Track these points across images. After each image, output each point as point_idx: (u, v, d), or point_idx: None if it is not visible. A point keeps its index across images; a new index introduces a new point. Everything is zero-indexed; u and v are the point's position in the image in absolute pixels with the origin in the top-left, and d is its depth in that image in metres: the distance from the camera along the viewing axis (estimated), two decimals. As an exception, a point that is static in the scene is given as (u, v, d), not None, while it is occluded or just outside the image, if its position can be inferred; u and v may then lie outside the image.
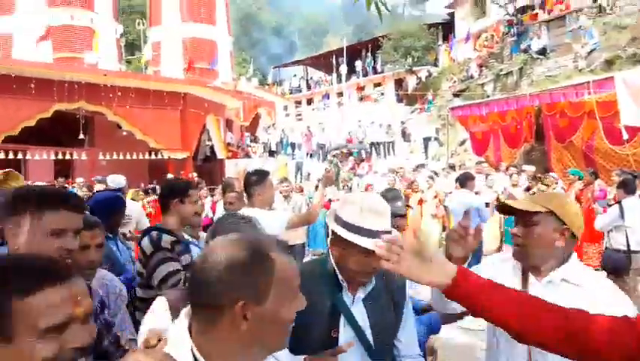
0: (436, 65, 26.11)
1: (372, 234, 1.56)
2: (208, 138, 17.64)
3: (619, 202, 5.46)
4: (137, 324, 2.11)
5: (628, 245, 5.30)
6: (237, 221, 1.67)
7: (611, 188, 7.12)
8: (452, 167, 12.08)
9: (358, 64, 31.13)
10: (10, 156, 12.94)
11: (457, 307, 1.64)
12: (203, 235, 3.31)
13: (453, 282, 1.17)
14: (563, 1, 15.63)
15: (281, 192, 7.33)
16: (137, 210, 5.18)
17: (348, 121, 22.44)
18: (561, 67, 13.78)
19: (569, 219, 1.64)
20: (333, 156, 17.90)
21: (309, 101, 33.93)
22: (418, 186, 9.77)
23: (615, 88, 8.72)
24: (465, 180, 6.83)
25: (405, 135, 20.01)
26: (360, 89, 30.45)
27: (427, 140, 17.96)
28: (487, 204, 8.68)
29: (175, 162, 15.35)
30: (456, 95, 18.16)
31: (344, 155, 18.25)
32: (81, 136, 14.33)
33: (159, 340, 1.17)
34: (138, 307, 2.60)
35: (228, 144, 19.15)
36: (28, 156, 13.96)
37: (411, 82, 26.64)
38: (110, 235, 3.23)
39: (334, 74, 30.68)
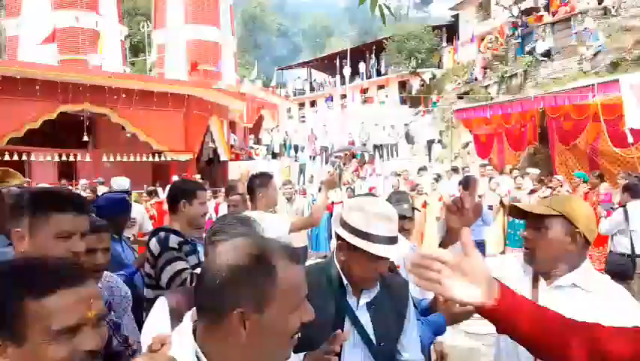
0: (439, 67, 26.09)
1: (379, 240, 1.56)
2: (211, 139, 17.65)
3: (624, 206, 5.42)
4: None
5: (632, 249, 5.27)
6: (235, 222, 1.65)
7: (617, 191, 7.08)
8: (455, 170, 12.04)
9: (362, 66, 31.15)
10: (15, 157, 12.99)
11: None
12: (206, 236, 3.31)
13: (494, 302, 1.05)
14: (568, 3, 15.58)
15: (284, 195, 7.33)
16: (141, 213, 5.19)
17: (351, 123, 22.43)
18: (566, 69, 13.73)
19: (581, 223, 1.61)
20: (336, 157, 17.89)
21: (313, 104, 33.97)
22: (423, 188, 9.74)
23: (620, 91, 8.68)
24: (468, 183, 6.79)
25: (408, 138, 19.97)
26: (364, 91, 30.45)
27: (430, 142, 17.93)
28: (490, 207, 8.67)
29: (178, 163, 15.37)
30: (460, 97, 18.12)
31: (347, 157, 18.23)
32: (85, 138, 14.37)
33: (162, 345, 1.16)
34: (147, 308, 2.60)
35: (232, 146, 19.16)
36: (32, 158, 14.02)
37: (415, 84, 26.62)
38: (116, 237, 3.23)
39: (338, 76, 30.70)
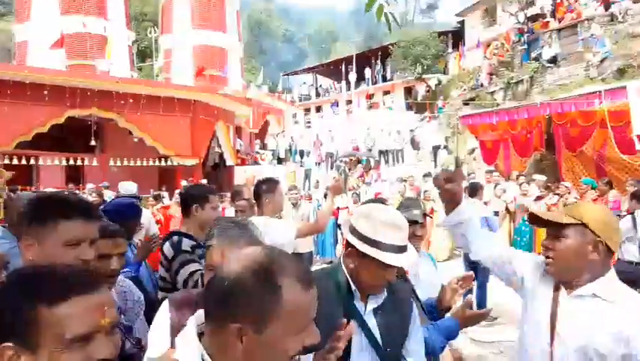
0: (445, 73, 26.07)
1: (388, 248, 1.57)
2: (217, 144, 17.71)
3: (632, 213, 5.39)
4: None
5: (641, 257, 5.22)
6: (231, 226, 1.65)
7: (625, 198, 7.03)
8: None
9: (367, 71, 31.18)
10: (23, 161, 13.09)
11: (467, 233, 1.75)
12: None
13: None
14: (575, 10, 15.56)
15: (289, 200, 7.32)
16: (147, 218, 5.21)
17: (356, 129, 22.45)
18: (572, 75, 13.68)
19: (603, 232, 1.56)
20: (341, 162, 17.88)
21: (318, 109, 34.02)
22: (430, 195, 9.70)
23: (628, 97, 8.64)
24: (474, 190, 6.77)
25: (414, 143, 19.95)
26: (370, 96, 30.47)
27: (436, 148, 17.90)
28: (496, 213, 8.62)
29: (185, 168, 15.43)
30: (466, 103, 18.09)
31: (352, 162, 18.22)
32: (92, 142, 14.46)
33: None
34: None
35: (238, 151, 19.22)
36: (40, 162, 14.11)
37: (420, 90, 26.62)
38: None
39: (343, 82, 30.76)
